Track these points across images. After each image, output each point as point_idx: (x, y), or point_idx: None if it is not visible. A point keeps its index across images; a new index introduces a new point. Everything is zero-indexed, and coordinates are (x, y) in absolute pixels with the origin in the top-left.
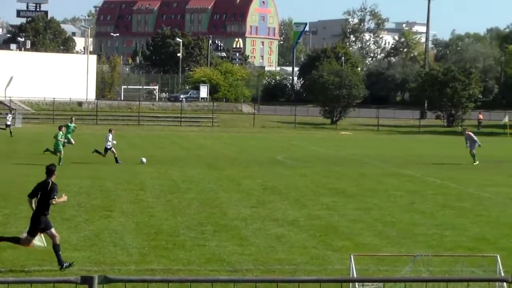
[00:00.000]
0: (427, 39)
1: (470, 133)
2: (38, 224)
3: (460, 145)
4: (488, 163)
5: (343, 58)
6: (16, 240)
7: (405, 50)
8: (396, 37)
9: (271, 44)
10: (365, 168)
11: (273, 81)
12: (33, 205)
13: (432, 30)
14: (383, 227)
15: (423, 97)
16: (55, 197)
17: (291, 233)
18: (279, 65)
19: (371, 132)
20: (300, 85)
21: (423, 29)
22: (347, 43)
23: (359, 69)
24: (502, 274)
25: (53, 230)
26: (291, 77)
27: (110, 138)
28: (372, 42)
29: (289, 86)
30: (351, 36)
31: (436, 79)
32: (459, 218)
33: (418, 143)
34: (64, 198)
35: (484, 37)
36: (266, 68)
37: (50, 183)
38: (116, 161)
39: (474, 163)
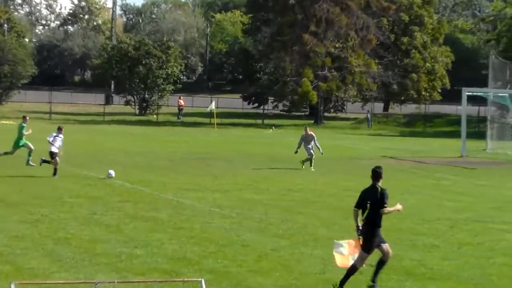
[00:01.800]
0: (114, 3)
1: (312, 133)
2: (374, 238)
3: (154, 139)
4: (191, 161)
5: (5, 25)
6: (353, 269)
7: (86, 17)
8: (76, 1)
9: None
10: (31, 168)
11: None
12: (360, 218)
13: None
14: (54, 245)
15: (109, 77)
16: (386, 205)
17: None
18: None
19: (42, 121)
20: None
21: None
22: (11, 7)
23: (27, 40)
24: None
25: (387, 245)
26: None
27: None
28: (44, 6)
29: None
30: None
31: (126, 55)
32: (154, 232)
33: (103, 136)
34: (398, 206)
35: (186, 3)
36: None
37: (380, 189)
38: None
39: (306, 167)
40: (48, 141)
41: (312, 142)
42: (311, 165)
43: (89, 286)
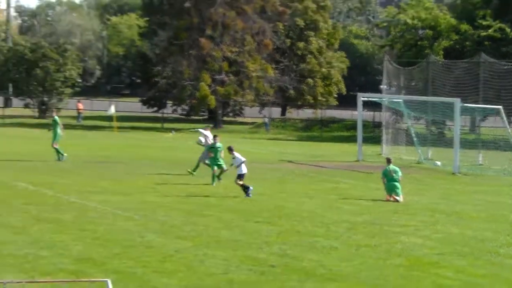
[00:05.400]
0: (8, 5)
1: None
2: None
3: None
4: (93, 164)
5: None
6: None
7: None
8: None
9: None
10: None
11: None
12: None
13: None
14: None
15: (7, 80)
16: None
17: None
18: None
19: None
20: None
21: None
22: None
23: None
24: None
25: None
26: None
27: None
28: None
29: None
30: None
31: (22, 57)
32: (59, 234)
33: (3, 139)
34: None
35: (80, 6)
36: None
37: None
38: None
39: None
40: None
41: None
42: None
43: None
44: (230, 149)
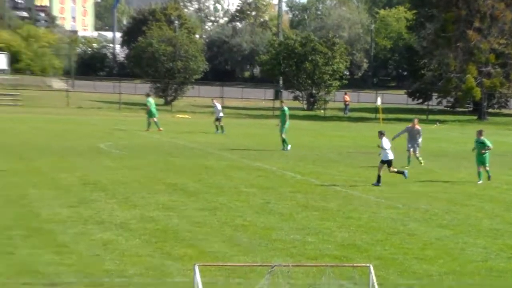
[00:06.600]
0: (280, 0)
1: (419, 127)
2: None
3: (322, 132)
4: (358, 155)
5: (176, 22)
6: None
7: (253, 13)
8: None
9: (84, 2)
10: (209, 160)
11: (90, 49)
12: None
13: None
14: (233, 231)
15: (277, 73)
16: None
17: (120, 238)
18: (96, 29)
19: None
20: (124, 56)
21: None
22: (181, 3)
23: (197, 36)
24: (376, 287)
25: None
26: (112, 45)
27: None
28: (213, 2)
29: (110, 57)
30: None
31: (292, 51)
32: (324, 221)
33: (273, 130)
34: None
35: (350, 0)
36: (80, 33)
37: None
38: None
39: (421, 164)
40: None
41: (418, 138)
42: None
43: (265, 269)
44: (381, 133)
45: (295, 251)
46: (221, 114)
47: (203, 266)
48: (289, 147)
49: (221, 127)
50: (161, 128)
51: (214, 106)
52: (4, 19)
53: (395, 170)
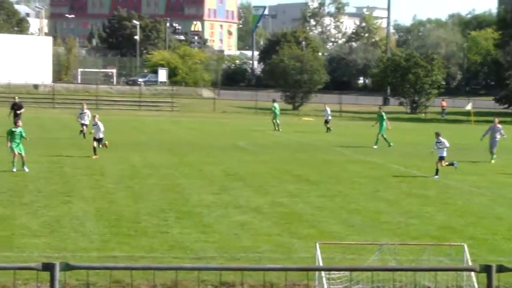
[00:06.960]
0: (388, 23)
1: (499, 125)
2: None
3: (423, 132)
4: (453, 151)
5: (303, 42)
6: None
7: (366, 35)
8: (357, 22)
9: (230, 27)
10: (328, 155)
11: (233, 65)
12: None
13: (393, 15)
14: (348, 215)
15: (385, 83)
16: None
17: (255, 220)
18: (238, 49)
19: (334, 118)
20: (260, 70)
21: (383, 14)
22: (307, 28)
23: (320, 54)
24: (470, 263)
25: None
26: (251, 62)
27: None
28: (333, 26)
29: (249, 71)
30: (311, 20)
31: (398, 65)
32: (425, 206)
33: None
34: None
35: (446, 23)
36: (226, 52)
37: None
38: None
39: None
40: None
41: (497, 134)
42: (492, 157)
43: (375, 247)
44: (437, 134)
45: (400, 231)
46: (329, 117)
47: (323, 244)
48: (375, 146)
49: (328, 128)
50: (280, 129)
51: (324, 110)
52: (165, 41)
53: (447, 163)
